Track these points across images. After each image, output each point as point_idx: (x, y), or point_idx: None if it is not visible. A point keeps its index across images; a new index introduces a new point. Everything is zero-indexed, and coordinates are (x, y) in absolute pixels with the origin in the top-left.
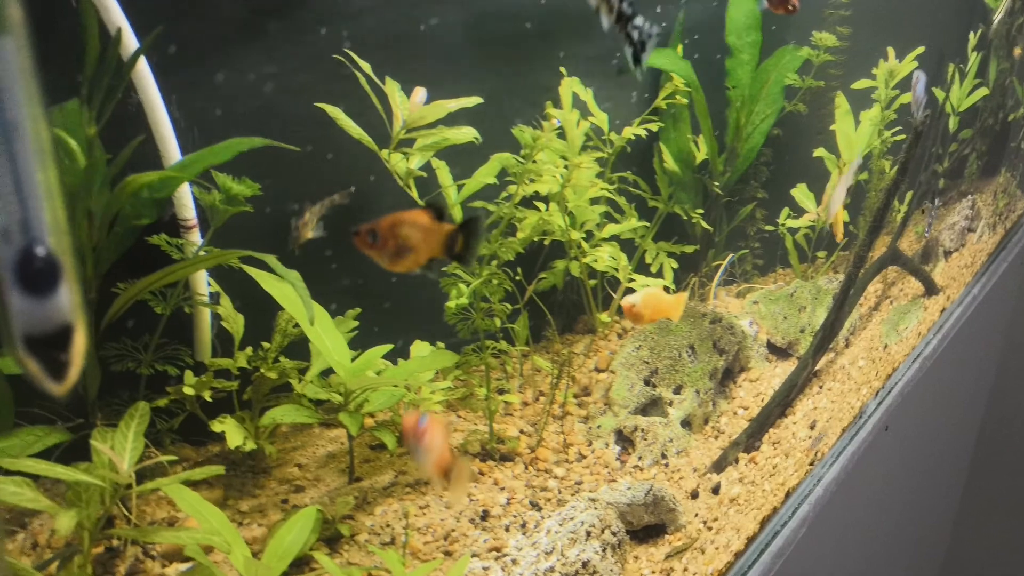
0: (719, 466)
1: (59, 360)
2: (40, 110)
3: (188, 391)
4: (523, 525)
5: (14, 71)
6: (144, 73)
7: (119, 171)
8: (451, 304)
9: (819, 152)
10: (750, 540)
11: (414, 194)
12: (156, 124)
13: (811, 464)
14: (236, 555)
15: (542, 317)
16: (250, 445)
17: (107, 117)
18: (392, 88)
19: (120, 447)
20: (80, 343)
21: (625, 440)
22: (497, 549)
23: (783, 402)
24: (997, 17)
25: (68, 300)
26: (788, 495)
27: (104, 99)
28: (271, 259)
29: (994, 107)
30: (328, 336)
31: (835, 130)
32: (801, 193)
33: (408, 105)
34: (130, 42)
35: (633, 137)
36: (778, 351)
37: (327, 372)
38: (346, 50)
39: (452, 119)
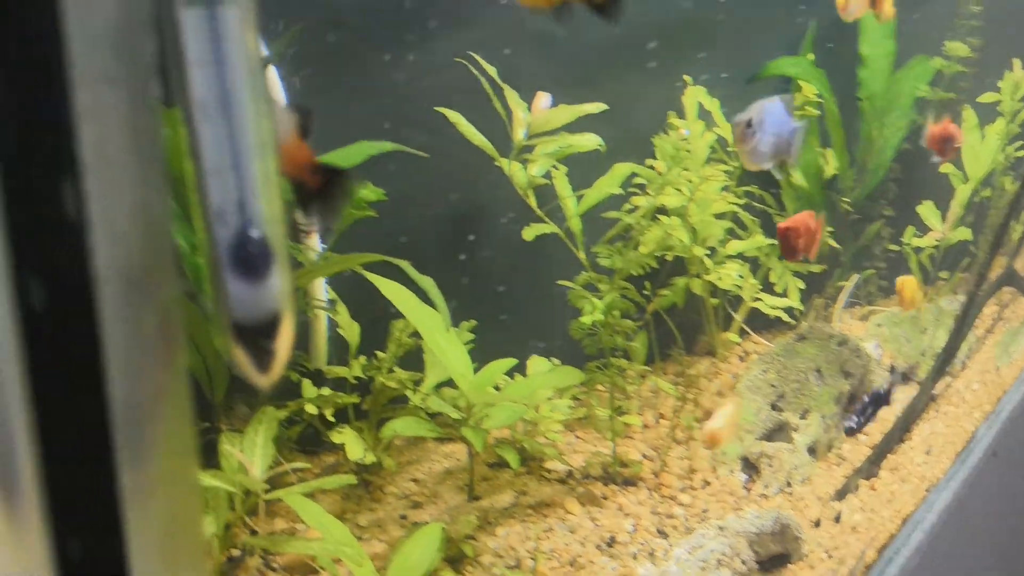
0: (841, 494)
1: (267, 350)
2: (262, 84)
3: (311, 409)
4: (651, 553)
5: (236, 41)
6: (270, 76)
7: None
8: (586, 319)
9: (945, 168)
10: (868, 569)
11: (532, 203)
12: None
13: (927, 490)
14: (364, 570)
15: (658, 336)
16: (370, 458)
17: None
18: (512, 93)
19: (250, 452)
20: (288, 333)
21: (751, 467)
22: None
23: (903, 427)
24: None
25: (279, 287)
26: (904, 522)
27: None
28: (405, 264)
29: None
30: (450, 348)
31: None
32: (927, 210)
33: (532, 110)
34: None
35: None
36: (900, 375)
37: (440, 385)
38: (470, 53)
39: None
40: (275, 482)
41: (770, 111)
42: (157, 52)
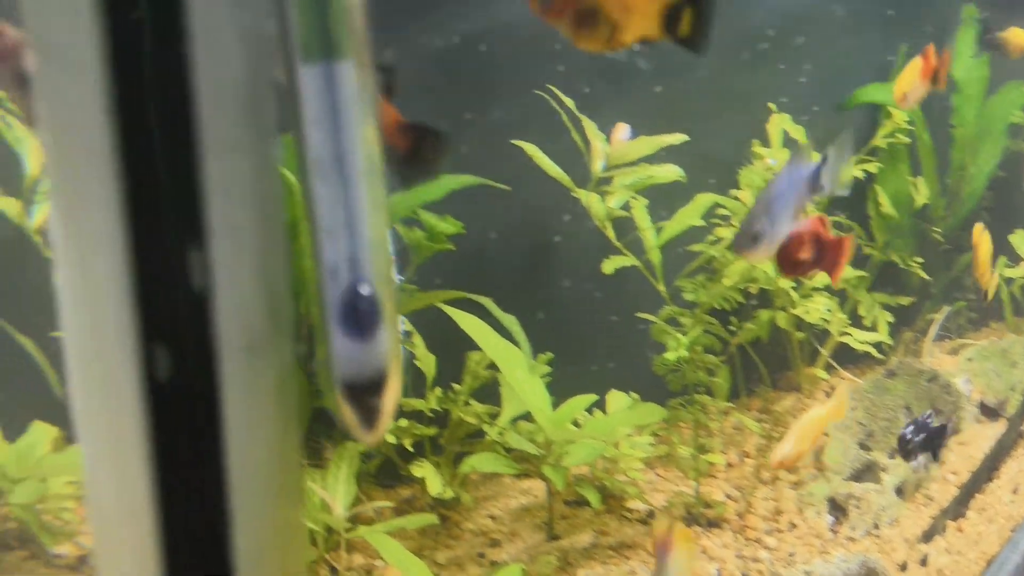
0: (928, 536)
1: (373, 407)
2: (374, 141)
3: (390, 438)
4: None
5: (350, 98)
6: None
7: None
8: (670, 355)
9: None
10: None
11: (611, 235)
12: None
13: (1012, 531)
14: None
15: (741, 371)
16: (449, 493)
17: None
18: (590, 125)
19: (333, 489)
20: (395, 390)
21: (838, 509)
22: None
23: (991, 466)
24: None
25: (387, 344)
26: (989, 564)
27: None
28: (487, 302)
29: None
30: (529, 383)
31: None
32: (1020, 240)
33: (610, 142)
34: None
35: (849, 178)
36: (989, 411)
37: (517, 419)
38: (549, 86)
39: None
40: (355, 517)
41: (775, 197)
42: (278, 111)
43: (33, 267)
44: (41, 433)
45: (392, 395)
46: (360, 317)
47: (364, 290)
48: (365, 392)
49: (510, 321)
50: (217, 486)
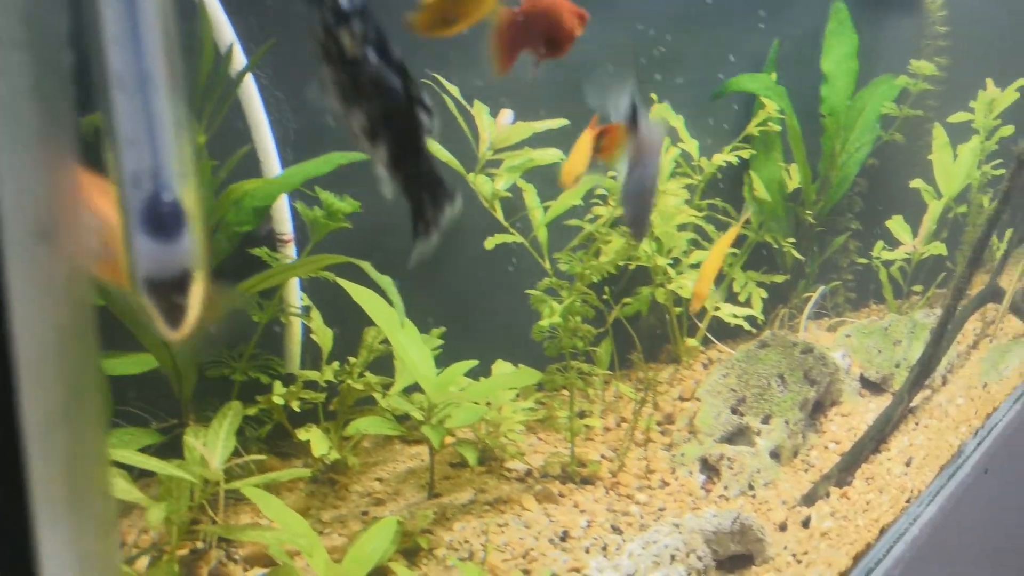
0: (809, 499)
1: (177, 304)
2: (178, 61)
3: (277, 400)
4: (604, 548)
5: (151, 20)
6: (249, 87)
7: (224, 180)
8: (544, 322)
9: (916, 183)
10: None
11: (499, 215)
12: (259, 137)
13: (907, 502)
14: (317, 560)
15: (623, 344)
16: (334, 455)
17: (215, 128)
18: (479, 110)
19: (212, 444)
20: (199, 290)
21: (710, 469)
22: (577, 570)
23: (877, 437)
24: None
25: (190, 246)
26: (883, 532)
27: (213, 111)
28: (366, 265)
29: None
30: (415, 349)
31: (932, 161)
32: (897, 225)
33: (495, 127)
34: (239, 59)
35: (724, 164)
36: (871, 386)
37: (411, 391)
38: (433, 75)
39: (539, 142)
40: (240, 477)
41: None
42: (70, 24)
43: None
44: None
45: (197, 294)
46: (163, 219)
47: (166, 196)
48: (169, 289)
49: (386, 282)
50: (4, 374)
